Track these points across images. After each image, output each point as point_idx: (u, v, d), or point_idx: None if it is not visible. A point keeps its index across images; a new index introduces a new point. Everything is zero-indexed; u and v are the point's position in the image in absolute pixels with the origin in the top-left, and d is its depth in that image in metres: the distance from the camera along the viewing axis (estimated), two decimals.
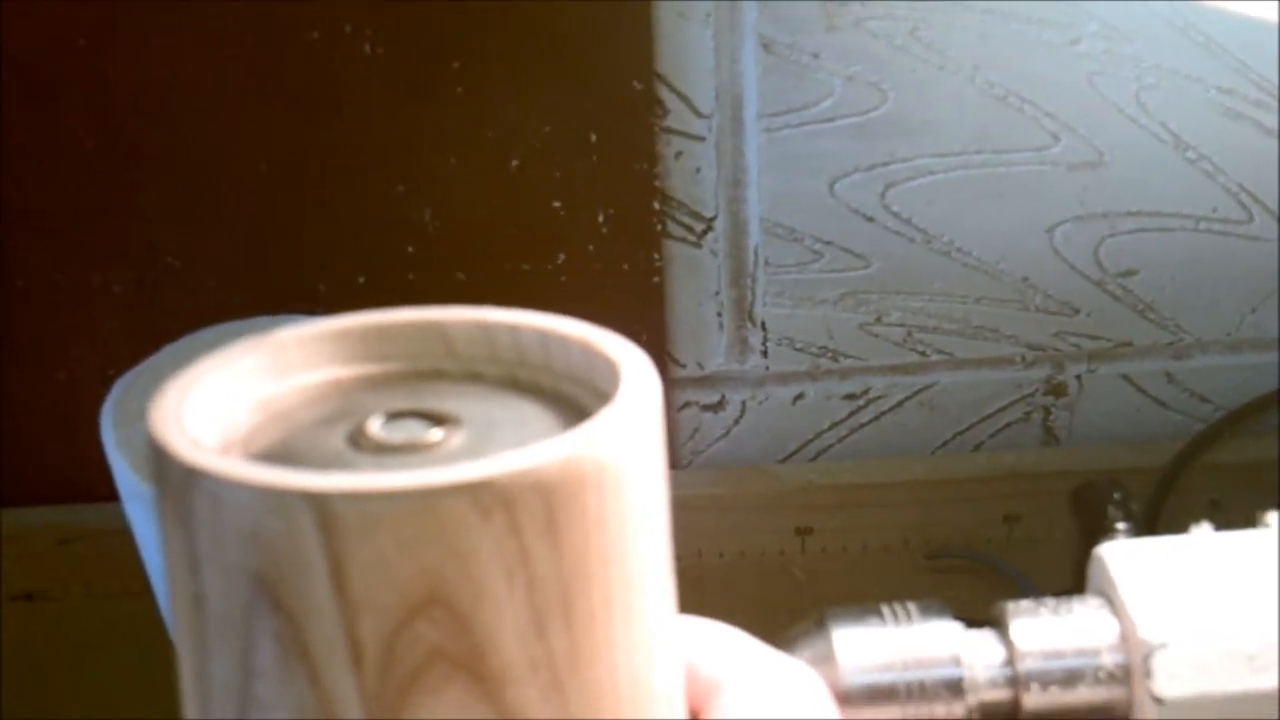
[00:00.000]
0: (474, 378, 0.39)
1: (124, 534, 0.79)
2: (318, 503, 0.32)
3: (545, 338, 0.39)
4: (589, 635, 0.35)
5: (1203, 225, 0.91)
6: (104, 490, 0.81)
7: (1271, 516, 0.55)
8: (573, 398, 0.38)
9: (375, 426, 0.36)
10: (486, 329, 0.39)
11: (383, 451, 0.36)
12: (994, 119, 0.88)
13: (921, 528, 0.93)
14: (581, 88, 0.85)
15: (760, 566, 0.94)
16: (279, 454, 0.36)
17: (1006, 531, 0.93)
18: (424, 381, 0.39)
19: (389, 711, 0.34)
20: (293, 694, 0.34)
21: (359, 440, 0.36)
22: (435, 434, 0.36)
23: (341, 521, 0.32)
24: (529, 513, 0.33)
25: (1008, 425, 0.96)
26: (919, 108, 0.87)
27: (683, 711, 0.40)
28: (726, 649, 0.42)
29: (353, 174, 0.87)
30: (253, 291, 0.88)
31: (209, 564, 0.34)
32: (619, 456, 0.35)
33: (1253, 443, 0.93)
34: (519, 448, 0.35)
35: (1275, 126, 0.88)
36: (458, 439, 0.36)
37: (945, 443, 0.97)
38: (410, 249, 0.88)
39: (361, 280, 0.89)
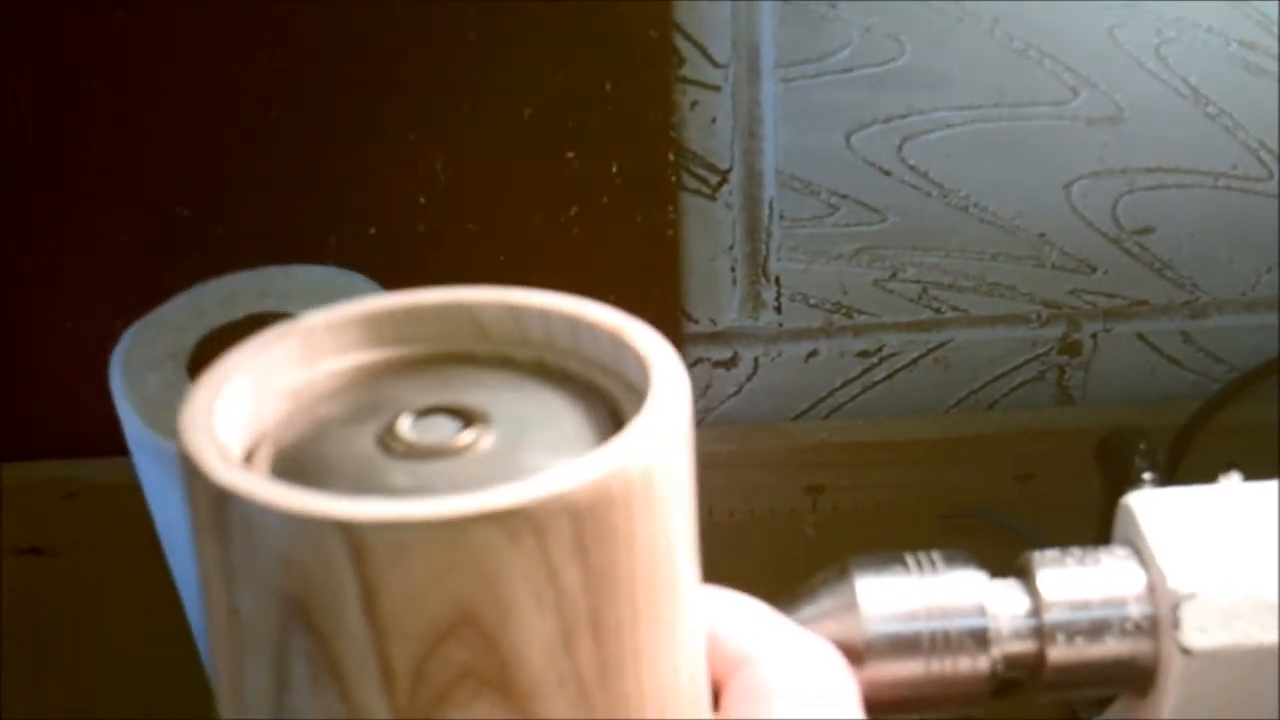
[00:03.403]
0: (503, 361, 0.39)
1: (130, 488, 0.79)
2: (349, 531, 0.32)
3: (575, 325, 0.39)
4: (616, 648, 0.35)
5: (1221, 182, 0.90)
6: (110, 444, 0.81)
7: None
8: (601, 387, 0.38)
9: (405, 427, 0.36)
10: (516, 313, 0.39)
11: (412, 456, 0.36)
12: (1013, 72, 0.87)
13: (934, 486, 0.92)
14: (596, 36, 0.84)
15: (771, 525, 0.93)
16: (309, 457, 0.37)
17: (1019, 490, 0.92)
18: (453, 366, 0.39)
19: None
20: (324, 707, 0.35)
21: (389, 443, 0.36)
22: (465, 436, 0.36)
23: (372, 550, 0.33)
24: (558, 535, 0.33)
25: (1022, 384, 0.96)
26: (937, 60, 0.86)
27: (707, 706, 0.40)
28: (751, 623, 0.43)
29: (364, 123, 0.86)
30: (262, 241, 0.87)
31: (243, 579, 0.34)
32: (648, 472, 0.35)
33: (1267, 403, 0.92)
34: (549, 453, 0.36)
35: None
36: (487, 440, 0.36)
37: (959, 401, 0.96)
38: (422, 199, 0.88)
39: (372, 230, 0.88)
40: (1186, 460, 0.86)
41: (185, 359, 0.76)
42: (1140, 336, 0.95)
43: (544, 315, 0.39)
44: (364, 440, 0.36)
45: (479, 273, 0.88)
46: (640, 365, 0.37)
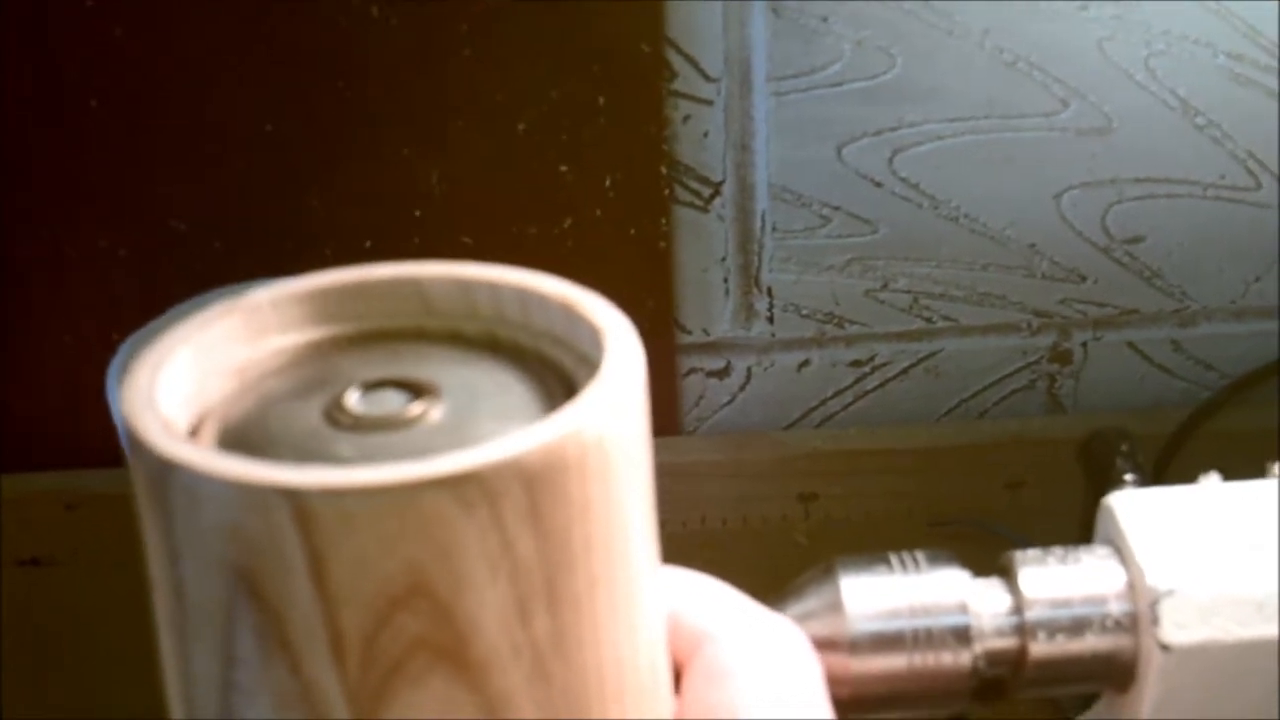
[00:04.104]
0: (453, 336, 0.39)
1: (130, 499, 0.79)
2: (295, 499, 0.32)
3: (525, 297, 0.38)
4: (574, 618, 0.35)
5: (1210, 192, 0.91)
6: (110, 455, 0.80)
7: (1278, 466, 0.55)
8: (553, 359, 0.38)
9: (352, 400, 0.36)
10: (465, 286, 0.39)
11: (360, 428, 0.35)
12: (1003, 84, 0.88)
13: (925, 494, 0.93)
14: (590, 51, 0.85)
15: (764, 533, 0.94)
16: (255, 431, 0.36)
17: (1010, 498, 0.93)
18: (402, 342, 0.39)
19: (372, 700, 0.33)
20: (274, 682, 0.34)
21: (336, 416, 0.35)
22: (414, 408, 0.35)
23: (320, 518, 0.32)
24: (511, 502, 0.33)
25: (1013, 392, 0.96)
26: (928, 73, 0.87)
27: (668, 684, 0.40)
28: (712, 602, 0.42)
29: (359, 137, 0.86)
30: (259, 255, 0.87)
31: (187, 555, 0.34)
32: (602, 439, 0.34)
33: (1257, 410, 0.93)
34: (500, 423, 0.35)
35: None
36: (437, 412, 0.35)
37: (950, 409, 0.97)
38: (417, 212, 0.88)
39: (368, 244, 0.89)
40: (1175, 466, 0.86)
41: None
42: (1130, 345, 0.95)
43: (493, 288, 0.38)
44: (310, 414, 0.36)
45: None
46: (593, 335, 0.36)
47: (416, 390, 0.36)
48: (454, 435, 0.34)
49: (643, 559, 0.37)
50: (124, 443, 0.34)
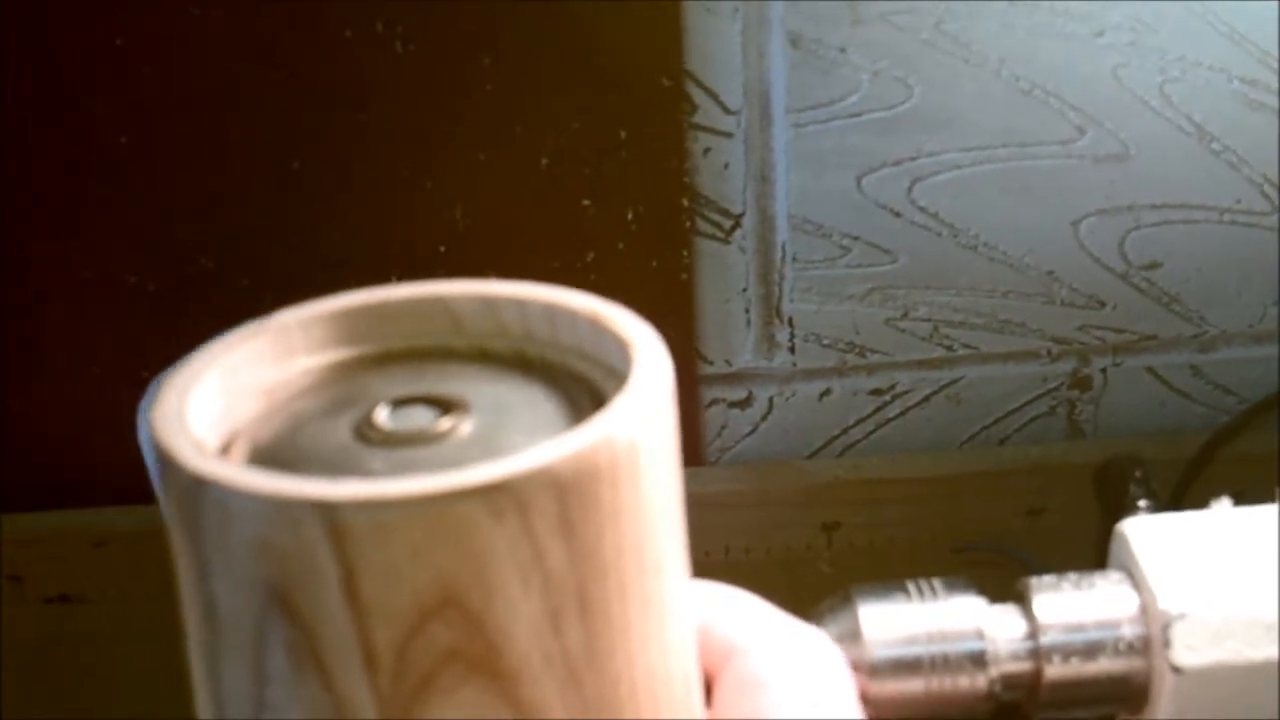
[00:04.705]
0: (481, 354, 0.39)
1: (158, 536, 0.80)
2: (327, 512, 0.32)
3: (552, 313, 0.38)
4: (605, 628, 0.35)
5: (1226, 217, 0.91)
6: (138, 492, 0.81)
7: None
8: (582, 374, 0.38)
9: (382, 417, 0.36)
10: (491, 304, 0.38)
11: (390, 444, 0.35)
12: (1019, 112, 0.88)
13: (947, 521, 0.93)
14: (610, 85, 0.86)
15: (787, 562, 0.94)
16: (285, 449, 0.36)
17: (1031, 525, 0.93)
18: (430, 360, 0.38)
19: (404, 712, 0.33)
20: (307, 698, 0.34)
21: (366, 433, 0.35)
22: (444, 423, 0.35)
23: (352, 530, 0.32)
24: (542, 511, 0.33)
25: (1033, 419, 0.97)
26: (945, 102, 0.88)
27: (699, 695, 0.39)
28: (743, 614, 0.42)
29: (384, 172, 0.87)
30: (284, 290, 0.88)
31: (219, 572, 0.34)
32: (632, 446, 0.34)
33: (1275, 434, 0.93)
34: (529, 435, 0.35)
35: None
36: (467, 426, 0.35)
37: (971, 437, 0.97)
38: (441, 247, 0.89)
39: (394, 278, 0.89)
40: (1195, 490, 0.86)
41: None
42: (1150, 370, 0.96)
43: (520, 305, 0.38)
44: (341, 431, 0.36)
45: None
46: (621, 348, 0.36)
47: (445, 406, 0.36)
48: (484, 448, 0.34)
49: (674, 567, 0.37)
50: (152, 463, 0.34)
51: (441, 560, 0.32)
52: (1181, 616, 0.50)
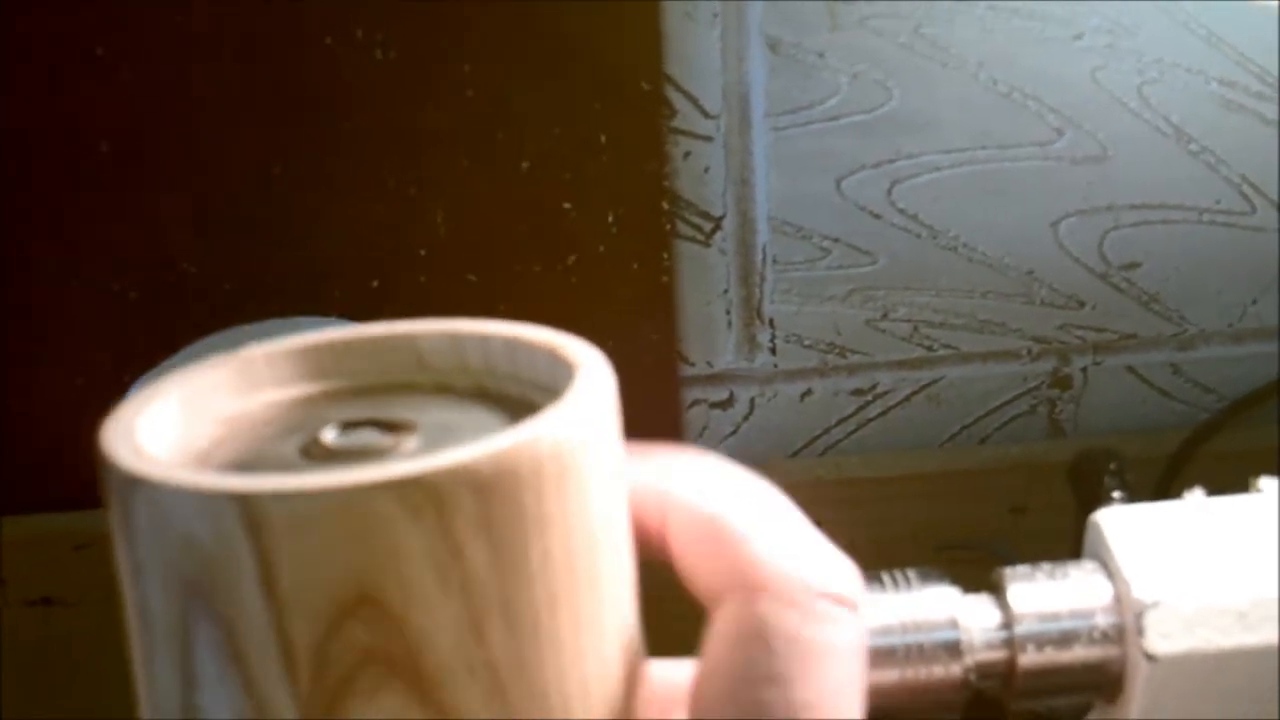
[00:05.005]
0: (443, 389, 0.39)
1: None
2: (244, 503, 0.32)
3: (513, 346, 0.38)
4: (532, 638, 0.34)
5: (1205, 217, 0.92)
6: None
7: (1262, 482, 0.56)
8: (535, 403, 0.37)
9: (329, 435, 0.36)
10: (456, 340, 0.39)
11: (332, 459, 0.35)
12: (998, 115, 0.89)
13: (929, 520, 0.94)
14: (591, 89, 0.86)
15: None
16: (232, 465, 0.36)
17: (1013, 523, 0.94)
18: (391, 395, 0.39)
19: (325, 714, 0.33)
20: (229, 700, 0.34)
21: (311, 450, 0.36)
22: (387, 440, 0.36)
23: (268, 521, 0.32)
24: (461, 511, 0.33)
25: (1014, 418, 0.97)
26: (924, 105, 0.88)
27: (639, 697, 0.38)
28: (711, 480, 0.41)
29: (365, 177, 0.88)
30: (267, 296, 0.89)
31: (149, 572, 0.34)
32: (559, 451, 0.34)
33: (1256, 431, 0.93)
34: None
35: (1276, 118, 0.89)
36: (409, 444, 0.36)
37: (952, 436, 0.98)
38: (422, 251, 0.89)
39: (375, 283, 0.90)
40: (1176, 487, 0.87)
41: None
42: (1130, 369, 0.96)
43: (483, 340, 0.39)
44: (288, 448, 0.36)
45: (481, 321, 0.91)
46: (571, 373, 0.36)
47: (392, 427, 0.36)
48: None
49: (614, 582, 0.37)
50: (100, 471, 0.35)
51: (358, 556, 0.32)
52: (1155, 605, 0.51)
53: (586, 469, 0.35)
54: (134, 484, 0.33)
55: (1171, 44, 0.88)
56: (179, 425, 0.37)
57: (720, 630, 0.37)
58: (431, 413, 0.37)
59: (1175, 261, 0.93)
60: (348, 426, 0.36)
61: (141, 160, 0.86)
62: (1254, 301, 0.94)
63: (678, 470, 0.40)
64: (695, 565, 0.38)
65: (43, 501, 0.94)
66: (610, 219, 0.89)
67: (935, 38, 0.87)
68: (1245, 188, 0.91)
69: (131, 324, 0.90)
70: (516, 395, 0.38)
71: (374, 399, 0.39)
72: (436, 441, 0.36)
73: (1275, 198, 0.91)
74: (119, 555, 0.35)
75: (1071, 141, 0.90)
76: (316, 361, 0.39)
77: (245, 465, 0.36)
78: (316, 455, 0.36)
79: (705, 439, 0.96)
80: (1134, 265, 0.93)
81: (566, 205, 0.89)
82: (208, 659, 0.34)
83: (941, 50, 0.87)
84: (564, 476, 0.34)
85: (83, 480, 0.92)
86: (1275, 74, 0.88)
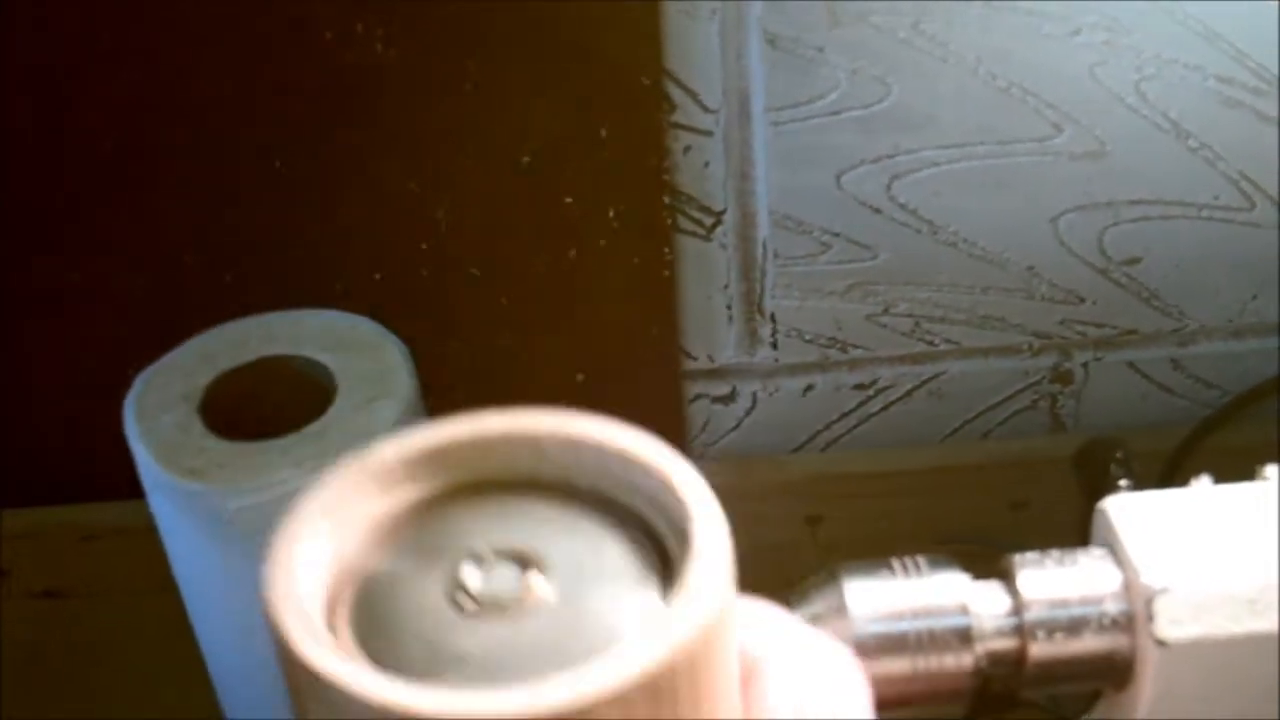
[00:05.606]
0: (564, 486, 0.41)
1: (144, 531, 0.80)
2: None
3: (626, 460, 0.40)
4: None
5: (1204, 213, 0.92)
6: (125, 488, 0.82)
7: (1270, 469, 0.56)
8: (650, 522, 0.40)
9: (471, 580, 0.38)
10: (575, 445, 0.41)
11: (478, 615, 0.38)
12: (997, 110, 0.89)
13: (930, 515, 0.94)
14: (591, 85, 0.86)
15: (771, 556, 0.94)
16: (384, 609, 0.39)
17: (1014, 518, 0.94)
18: (516, 493, 0.41)
19: None
20: None
21: (456, 597, 0.38)
22: (526, 591, 0.38)
23: None
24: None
25: (1015, 413, 0.97)
26: (923, 100, 0.88)
27: None
28: (768, 628, 0.43)
29: (366, 172, 0.88)
30: (270, 289, 0.89)
31: None
32: (692, 659, 0.36)
33: (1257, 426, 0.93)
34: (608, 604, 0.38)
35: (1274, 114, 0.89)
36: (546, 592, 0.38)
37: (953, 431, 0.98)
38: (424, 246, 0.89)
39: (377, 276, 0.90)
40: (1178, 483, 0.87)
41: (197, 400, 0.77)
42: (1130, 365, 0.97)
43: (599, 450, 0.41)
44: (434, 592, 0.39)
45: (482, 315, 0.91)
46: (682, 511, 0.39)
47: (526, 562, 0.39)
48: (563, 625, 0.38)
49: None
50: (268, 631, 0.37)
51: None
52: (1164, 591, 0.51)
53: (717, 664, 0.38)
54: (313, 678, 0.35)
55: (1169, 40, 0.88)
56: (327, 540, 0.39)
57: None
58: (559, 538, 0.40)
59: (1175, 257, 0.93)
60: (484, 561, 0.39)
61: (144, 155, 0.86)
62: (1254, 297, 0.94)
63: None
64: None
65: (46, 493, 0.94)
66: (611, 213, 0.89)
67: (934, 34, 0.87)
68: (1244, 184, 0.91)
69: (134, 316, 0.90)
70: (630, 505, 0.41)
71: (502, 501, 0.41)
72: (573, 589, 0.38)
73: (1273, 193, 0.91)
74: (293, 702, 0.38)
75: (1070, 137, 0.90)
76: (445, 458, 0.41)
77: (398, 614, 0.38)
78: (462, 607, 0.38)
79: (707, 434, 0.96)
80: (1134, 261, 0.93)
81: (568, 200, 0.89)
82: None
83: (940, 46, 0.87)
84: (697, 677, 0.37)
85: (87, 471, 0.93)
86: (1273, 70, 0.88)
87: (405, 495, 0.41)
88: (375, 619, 0.38)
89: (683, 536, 0.39)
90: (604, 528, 0.40)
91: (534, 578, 0.38)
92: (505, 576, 0.38)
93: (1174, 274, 0.94)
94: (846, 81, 0.88)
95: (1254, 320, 0.95)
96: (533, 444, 0.41)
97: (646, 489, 0.40)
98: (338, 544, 0.40)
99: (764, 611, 0.44)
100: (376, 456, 0.41)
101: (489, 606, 0.38)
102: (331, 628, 0.38)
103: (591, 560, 0.39)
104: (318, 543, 0.39)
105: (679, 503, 0.39)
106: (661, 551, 0.39)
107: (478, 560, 0.39)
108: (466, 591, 0.38)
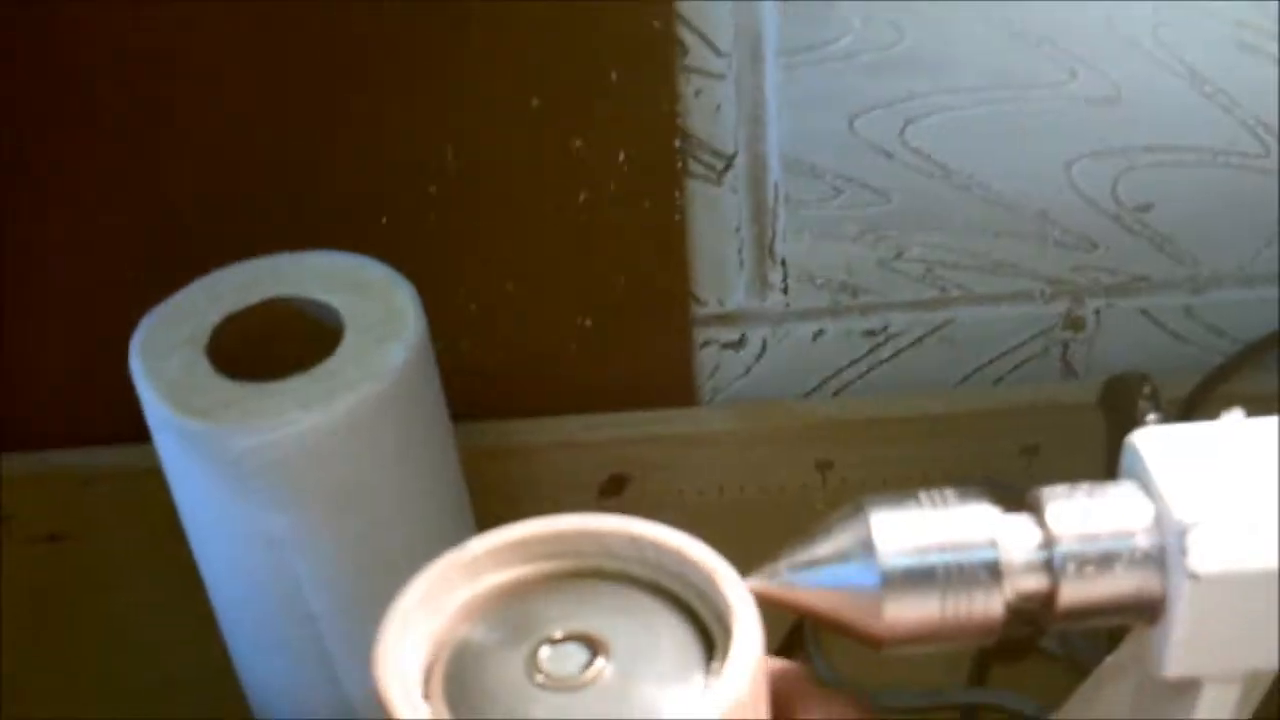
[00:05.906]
0: (626, 576, 0.50)
1: (147, 475, 0.80)
2: None
3: (680, 558, 0.49)
4: None
5: (1219, 159, 0.91)
6: (127, 432, 0.82)
7: None
8: (699, 612, 0.49)
9: (545, 657, 0.47)
10: (636, 542, 0.50)
11: (550, 687, 0.46)
12: (1011, 55, 0.88)
13: (941, 460, 0.94)
14: (601, 27, 0.85)
15: (781, 501, 0.95)
16: (471, 680, 0.47)
17: (1026, 463, 0.94)
18: (586, 582, 0.50)
19: None
20: None
21: (533, 672, 0.47)
22: (590, 672, 0.46)
23: None
24: None
25: (1027, 360, 0.97)
26: (937, 44, 0.88)
27: None
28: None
29: (374, 115, 0.87)
30: (275, 232, 0.88)
31: None
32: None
33: (1269, 374, 0.93)
34: (658, 686, 0.46)
35: None
36: (609, 672, 0.46)
37: (965, 377, 0.97)
38: (432, 189, 0.89)
39: (384, 220, 0.89)
40: None
41: (203, 342, 0.77)
42: (1142, 311, 0.96)
43: (657, 547, 0.49)
44: (515, 666, 0.47)
45: (491, 259, 0.90)
46: (726, 607, 0.47)
47: (593, 645, 0.47)
48: (618, 700, 0.46)
49: None
50: (374, 697, 0.45)
51: None
52: (1196, 524, 0.50)
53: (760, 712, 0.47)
54: None
55: None
56: (425, 620, 0.48)
57: None
58: (619, 623, 0.48)
59: (1189, 204, 0.92)
60: (557, 643, 0.48)
61: (146, 100, 0.86)
62: (1267, 244, 0.94)
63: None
64: None
65: (48, 438, 0.93)
66: (621, 157, 0.89)
67: None
68: (1260, 130, 0.90)
69: (136, 260, 0.89)
70: (682, 595, 0.49)
71: (573, 589, 0.50)
72: (630, 670, 0.47)
73: None
74: None
75: (1085, 82, 0.89)
76: (526, 550, 0.50)
77: (483, 686, 0.47)
78: (538, 681, 0.46)
79: (717, 379, 0.96)
80: (1147, 207, 0.92)
81: (577, 143, 0.88)
82: None
83: None
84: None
85: (88, 415, 0.92)
86: None
87: (491, 581, 0.50)
88: (463, 687, 0.46)
89: (724, 624, 0.47)
90: (657, 614, 0.49)
91: (598, 661, 0.46)
92: (574, 657, 0.47)
93: (1187, 221, 0.93)
94: (860, 25, 0.87)
95: (1267, 268, 0.94)
96: (599, 539, 0.50)
97: (696, 582, 0.49)
98: (433, 625, 0.48)
99: (794, 681, 0.52)
100: (468, 552, 0.49)
101: (558, 680, 0.46)
102: (426, 695, 0.46)
103: (646, 642, 0.47)
104: (417, 626, 0.47)
105: (722, 597, 0.47)
106: (703, 630, 0.48)
107: (552, 643, 0.47)
108: (540, 669, 0.46)
